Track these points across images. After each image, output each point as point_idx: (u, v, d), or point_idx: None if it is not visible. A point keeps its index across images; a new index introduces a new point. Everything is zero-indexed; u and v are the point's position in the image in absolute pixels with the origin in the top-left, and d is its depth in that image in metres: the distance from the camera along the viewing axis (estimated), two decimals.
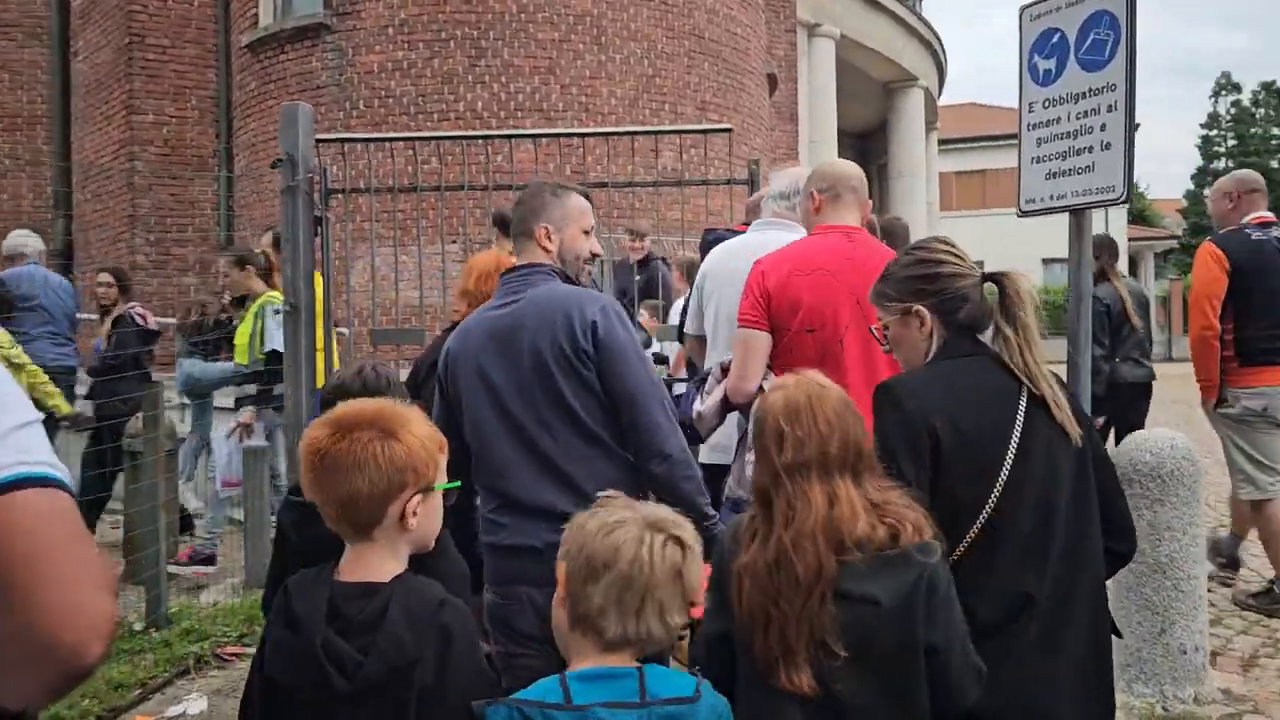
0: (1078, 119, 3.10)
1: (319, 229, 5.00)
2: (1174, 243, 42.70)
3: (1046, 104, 3.21)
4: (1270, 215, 4.67)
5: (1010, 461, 1.86)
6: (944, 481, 1.86)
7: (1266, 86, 55.42)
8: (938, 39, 22.04)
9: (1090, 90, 3.06)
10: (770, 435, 1.72)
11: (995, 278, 2.00)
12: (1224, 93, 56.91)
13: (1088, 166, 3.07)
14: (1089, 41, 3.07)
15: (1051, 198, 3.20)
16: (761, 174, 5.22)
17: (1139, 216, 46.16)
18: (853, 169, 2.98)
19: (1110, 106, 3.00)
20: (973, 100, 45.79)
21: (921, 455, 1.86)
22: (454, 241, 9.72)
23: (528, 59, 10.01)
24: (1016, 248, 36.44)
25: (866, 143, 27.12)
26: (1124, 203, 2.98)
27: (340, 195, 5.19)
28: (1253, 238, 4.55)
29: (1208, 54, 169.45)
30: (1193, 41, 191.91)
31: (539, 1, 10.04)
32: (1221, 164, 55.17)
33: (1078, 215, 3.15)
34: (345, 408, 1.72)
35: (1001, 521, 1.85)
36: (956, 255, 2.05)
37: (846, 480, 1.69)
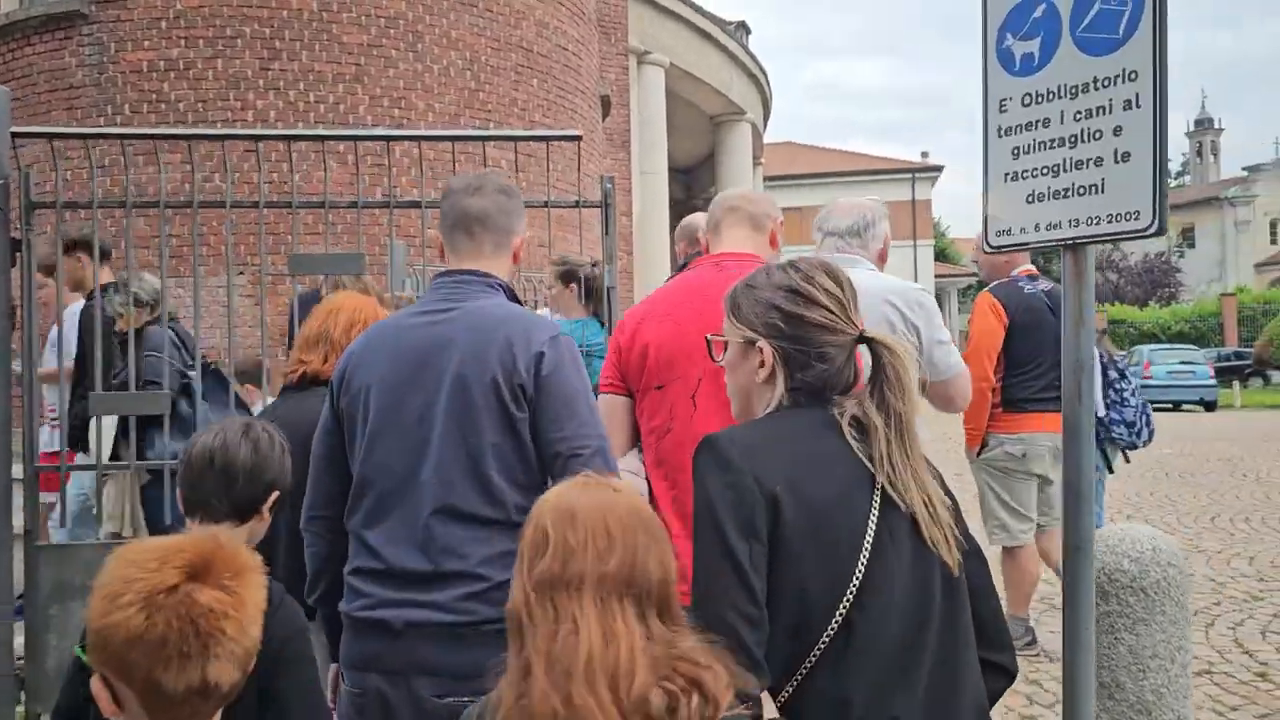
0: (1077, 120, 2.26)
1: (17, 255, 3.64)
2: (974, 280, 45.11)
3: (1027, 100, 2.36)
4: (1034, 268, 4.91)
5: (870, 544, 1.47)
6: (787, 568, 1.46)
7: None
8: (764, 74, 21.99)
9: (1097, 81, 2.22)
10: (532, 541, 1.33)
11: (871, 344, 1.61)
12: None
13: (1093, 185, 2.23)
14: (1093, 12, 2.23)
15: (1038, 227, 2.34)
16: (615, 197, 4.22)
17: (941, 254, 48.61)
18: (735, 191, 2.69)
19: (1129, 102, 2.17)
20: (789, 139, 47.04)
21: (758, 530, 1.45)
22: (241, 272, 8.31)
23: (330, 64, 8.73)
24: None
25: (693, 176, 26.92)
26: (1155, 234, 2.14)
27: (52, 211, 3.83)
28: (1026, 290, 4.71)
29: None
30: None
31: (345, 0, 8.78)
32: None
33: (1075, 252, 2.30)
34: (157, 548, 1.30)
35: (862, 623, 1.46)
36: (838, 302, 1.62)
37: (627, 612, 1.29)
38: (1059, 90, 2.30)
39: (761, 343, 1.62)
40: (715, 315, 2.17)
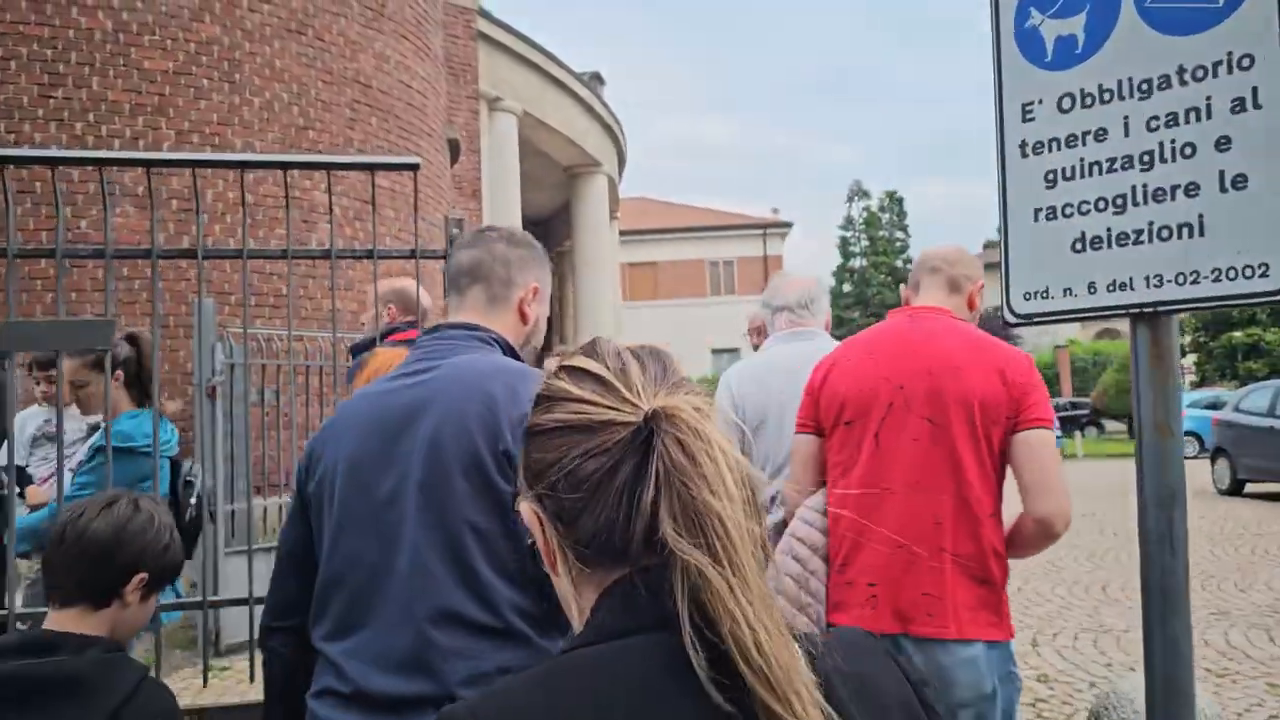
0: (1153, 130, 1.53)
1: None
2: None
3: (1068, 103, 1.62)
4: None
5: None
6: None
7: (890, 195, 62.65)
8: (619, 125, 21.54)
9: (1184, 71, 1.50)
10: None
11: (651, 424, 0.81)
12: (856, 199, 63.52)
13: (1185, 225, 1.50)
14: None
15: (1093, 288, 1.59)
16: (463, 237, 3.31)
17: None
18: (935, 250, 2.60)
19: (1240, 102, 1.45)
20: (642, 195, 47.14)
21: None
22: None
23: (128, 93, 7.52)
24: (690, 333, 37.58)
25: (547, 228, 26.21)
26: None
27: None
28: None
29: (842, 163, 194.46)
30: (832, 154, 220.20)
31: (146, 20, 7.61)
32: (857, 262, 61.35)
33: (1154, 324, 1.56)
34: None
35: None
36: (599, 383, 0.85)
37: None
38: (1120, 87, 1.57)
39: (522, 503, 0.92)
40: (908, 358, 2.29)
